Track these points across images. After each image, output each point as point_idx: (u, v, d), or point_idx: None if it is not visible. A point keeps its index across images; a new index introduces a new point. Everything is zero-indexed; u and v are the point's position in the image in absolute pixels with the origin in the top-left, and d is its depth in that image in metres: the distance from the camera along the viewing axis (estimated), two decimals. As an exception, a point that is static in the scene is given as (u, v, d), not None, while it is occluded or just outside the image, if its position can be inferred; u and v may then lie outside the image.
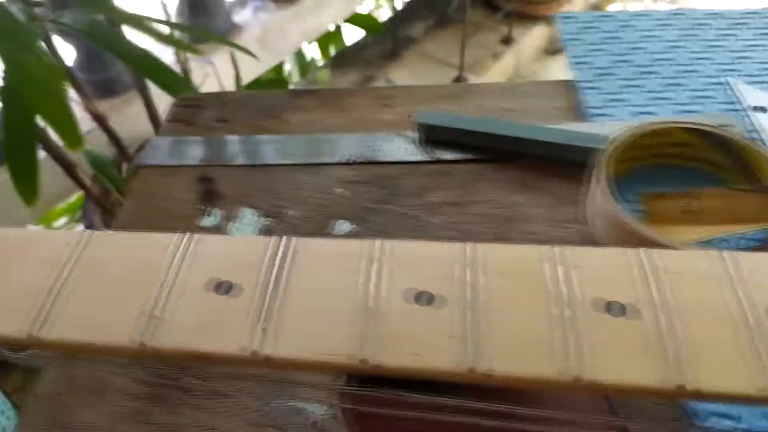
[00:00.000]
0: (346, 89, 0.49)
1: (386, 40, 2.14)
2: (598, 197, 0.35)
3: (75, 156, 0.93)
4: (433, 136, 0.44)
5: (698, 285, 0.21)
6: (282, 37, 1.77)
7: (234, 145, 0.45)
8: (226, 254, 0.25)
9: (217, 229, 0.39)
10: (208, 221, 0.39)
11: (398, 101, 0.48)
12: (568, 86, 0.48)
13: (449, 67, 1.95)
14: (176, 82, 0.66)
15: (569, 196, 0.39)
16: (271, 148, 0.44)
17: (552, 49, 2.14)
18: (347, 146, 0.44)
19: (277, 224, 0.39)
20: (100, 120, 1.01)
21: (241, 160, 0.44)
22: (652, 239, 0.32)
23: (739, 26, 0.51)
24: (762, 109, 0.43)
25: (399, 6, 2.14)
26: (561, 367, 0.21)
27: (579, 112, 0.45)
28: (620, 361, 0.21)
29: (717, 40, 0.50)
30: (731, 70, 0.47)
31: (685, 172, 0.39)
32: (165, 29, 0.76)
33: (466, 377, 0.21)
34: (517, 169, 0.41)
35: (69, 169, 0.90)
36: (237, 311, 0.23)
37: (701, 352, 0.19)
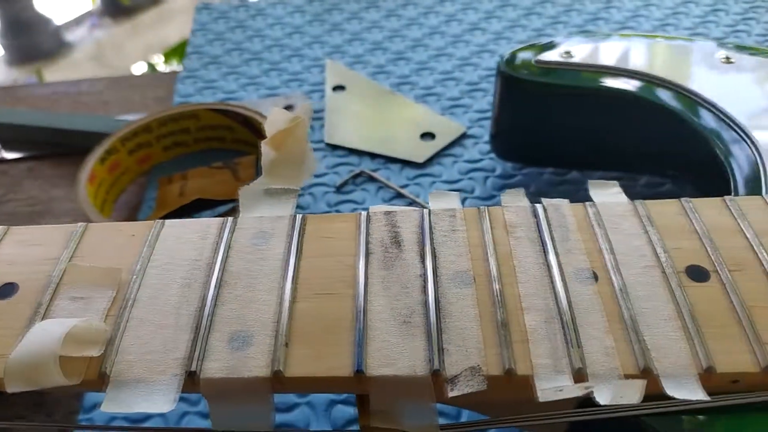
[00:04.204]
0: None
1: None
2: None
3: None
4: (2, 135, 0.41)
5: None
6: (120, 52, 1.72)
7: None
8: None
9: None
10: None
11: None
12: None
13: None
14: None
15: (109, 187, 0.37)
16: None
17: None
18: None
19: None
20: None
21: None
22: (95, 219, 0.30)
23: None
24: (341, 88, 0.42)
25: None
26: None
27: (170, 102, 0.44)
28: None
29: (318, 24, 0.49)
30: (339, 52, 0.46)
31: (231, 155, 0.38)
32: None
33: None
34: (76, 163, 0.39)
35: None
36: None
37: None
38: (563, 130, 0.31)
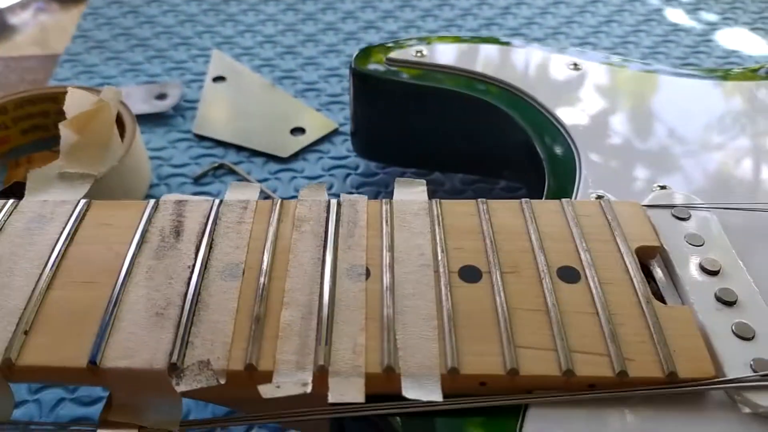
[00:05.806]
0: None
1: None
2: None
3: None
4: None
5: None
6: (65, 38, 1.68)
7: None
8: None
9: None
10: None
11: None
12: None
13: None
14: None
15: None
16: None
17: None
18: None
19: None
20: None
21: None
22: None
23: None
24: (222, 79, 0.41)
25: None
26: None
27: (45, 84, 0.42)
28: None
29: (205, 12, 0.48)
30: (229, 43, 0.45)
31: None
32: None
33: None
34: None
35: None
36: None
37: None
38: (411, 130, 0.31)
